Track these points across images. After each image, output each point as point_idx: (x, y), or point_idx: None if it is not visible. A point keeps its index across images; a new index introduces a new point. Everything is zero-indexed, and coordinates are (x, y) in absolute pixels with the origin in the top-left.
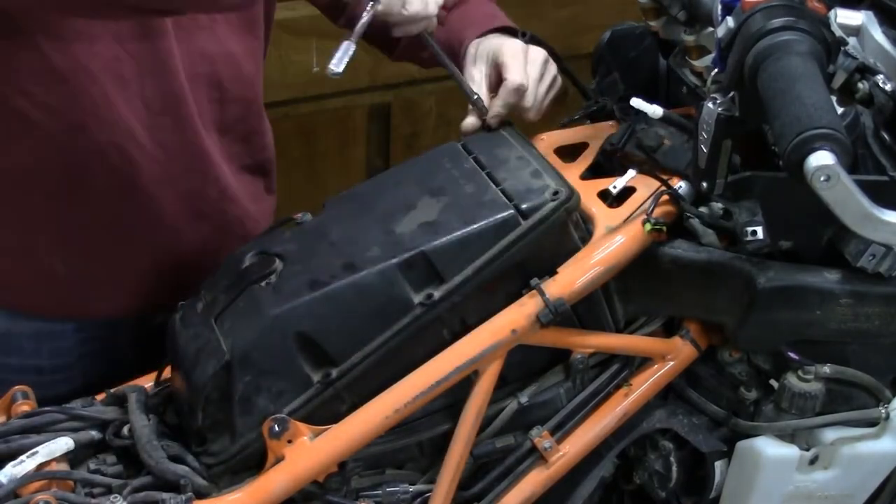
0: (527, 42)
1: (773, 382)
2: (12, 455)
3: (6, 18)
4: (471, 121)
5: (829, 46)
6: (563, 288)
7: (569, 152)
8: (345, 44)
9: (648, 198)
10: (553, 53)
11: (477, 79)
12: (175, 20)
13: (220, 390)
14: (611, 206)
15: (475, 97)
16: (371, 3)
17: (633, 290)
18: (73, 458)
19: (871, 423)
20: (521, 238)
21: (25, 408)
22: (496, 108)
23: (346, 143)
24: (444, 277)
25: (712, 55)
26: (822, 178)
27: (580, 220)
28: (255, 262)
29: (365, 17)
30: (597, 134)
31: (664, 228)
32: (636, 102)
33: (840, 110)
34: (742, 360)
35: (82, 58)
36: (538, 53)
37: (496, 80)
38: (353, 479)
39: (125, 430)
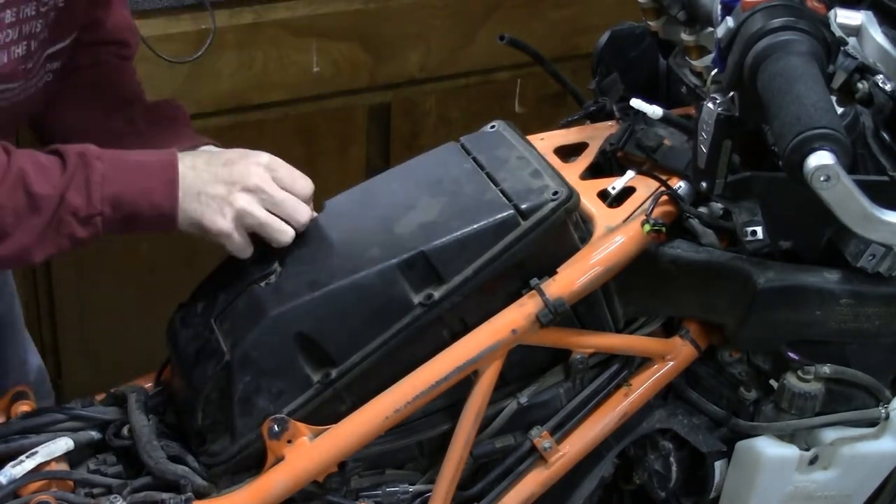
0: (506, 44)
1: (773, 382)
2: (12, 455)
3: None
4: None
5: (829, 46)
6: (563, 288)
7: (569, 152)
8: None
9: (648, 198)
10: (536, 55)
11: None
12: None
13: (220, 390)
14: (610, 206)
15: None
16: None
17: (633, 291)
18: (73, 458)
19: (871, 423)
20: (521, 238)
21: (25, 408)
22: None
23: (346, 143)
24: (443, 277)
25: (712, 55)
26: (821, 178)
27: (580, 220)
28: (255, 262)
29: None
30: (596, 134)
31: (663, 229)
32: (636, 102)
33: (840, 110)
34: (742, 360)
35: None
36: None
37: None
38: (353, 479)
39: (125, 430)
